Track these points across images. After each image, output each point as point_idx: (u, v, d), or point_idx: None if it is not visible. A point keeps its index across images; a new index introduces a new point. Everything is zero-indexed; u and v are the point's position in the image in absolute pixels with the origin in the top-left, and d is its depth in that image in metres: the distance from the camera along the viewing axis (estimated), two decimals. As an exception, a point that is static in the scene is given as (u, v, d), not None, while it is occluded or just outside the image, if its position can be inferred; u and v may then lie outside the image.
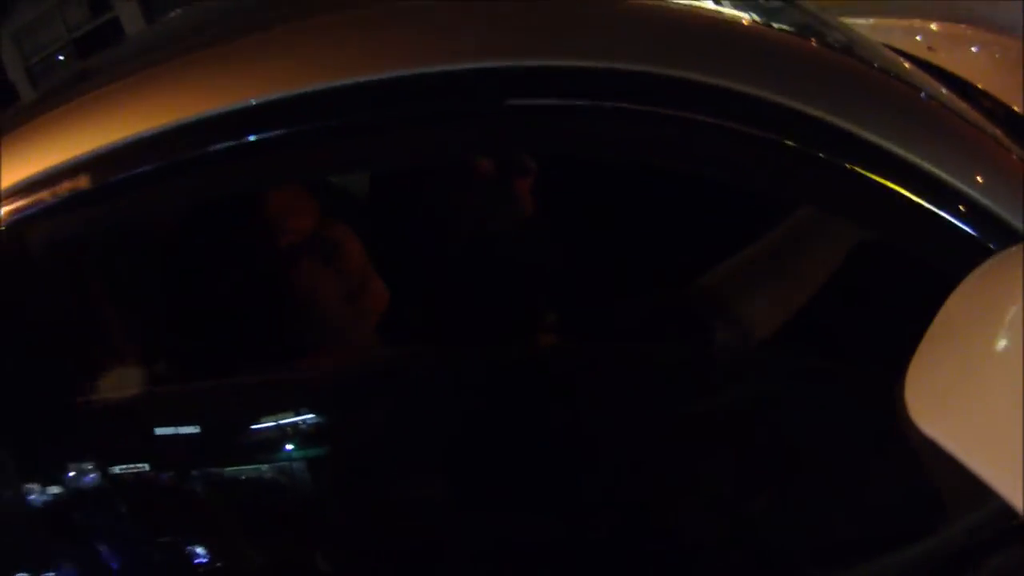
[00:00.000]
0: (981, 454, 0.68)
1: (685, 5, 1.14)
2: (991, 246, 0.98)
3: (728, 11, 1.17)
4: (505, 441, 1.16)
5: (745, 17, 1.14)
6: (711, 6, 1.17)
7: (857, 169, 0.99)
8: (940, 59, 1.76)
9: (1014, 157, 1.07)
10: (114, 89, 1.05)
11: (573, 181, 1.39)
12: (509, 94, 0.99)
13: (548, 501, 1.15)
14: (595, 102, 1.00)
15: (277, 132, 0.97)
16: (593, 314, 1.29)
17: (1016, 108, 1.60)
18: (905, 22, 2.29)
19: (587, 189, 1.38)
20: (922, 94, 1.12)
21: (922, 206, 0.99)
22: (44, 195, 0.98)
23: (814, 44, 1.16)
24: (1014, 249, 0.89)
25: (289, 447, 1.15)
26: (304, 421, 1.16)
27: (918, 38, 2.07)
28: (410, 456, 1.19)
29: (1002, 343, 0.75)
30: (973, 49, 2.10)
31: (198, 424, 1.14)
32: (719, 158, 1.04)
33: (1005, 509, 0.82)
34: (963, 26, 2.25)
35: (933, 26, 2.20)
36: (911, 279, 1.03)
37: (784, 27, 1.18)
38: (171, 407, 1.14)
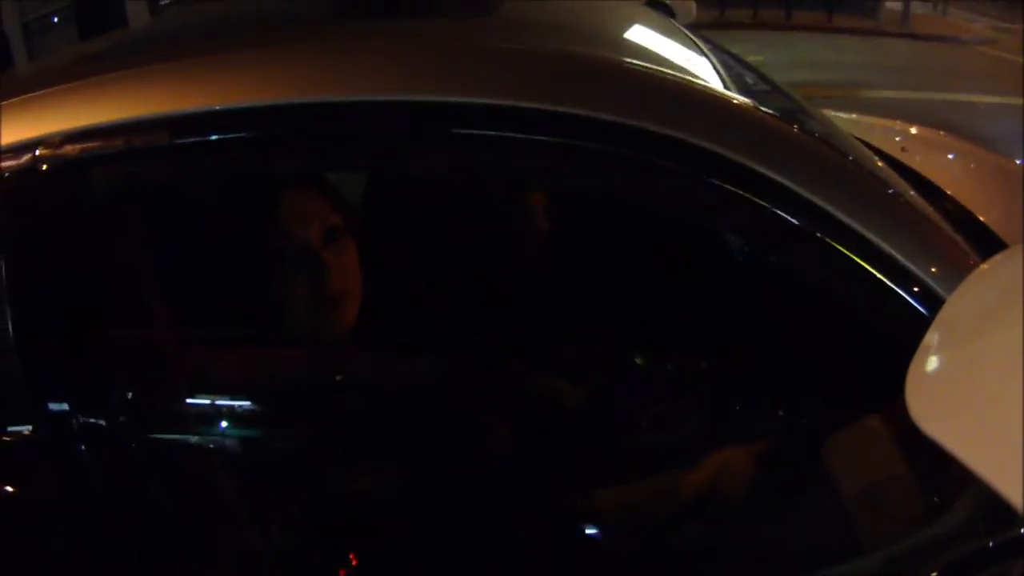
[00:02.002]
0: (981, 454, 0.68)
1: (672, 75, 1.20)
2: None
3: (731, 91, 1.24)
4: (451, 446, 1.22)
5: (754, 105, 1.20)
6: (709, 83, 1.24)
7: (828, 241, 1.05)
8: (915, 162, 1.79)
9: (970, 259, 1.11)
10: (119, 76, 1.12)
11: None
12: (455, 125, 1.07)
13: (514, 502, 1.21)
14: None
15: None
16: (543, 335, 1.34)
17: (983, 218, 1.64)
18: (886, 122, 2.34)
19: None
20: (891, 189, 1.17)
21: (884, 283, 1.04)
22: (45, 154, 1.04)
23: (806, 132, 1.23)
24: (1013, 250, 0.91)
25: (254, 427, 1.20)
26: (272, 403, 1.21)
27: (897, 139, 2.11)
28: (372, 451, 1.23)
29: (1002, 343, 0.75)
30: (949, 156, 2.13)
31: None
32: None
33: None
34: (942, 133, 2.30)
35: (913, 129, 2.26)
36: (863, 347, 1.08)
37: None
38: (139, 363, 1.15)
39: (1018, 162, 2.21)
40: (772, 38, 11.53)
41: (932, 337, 0.84)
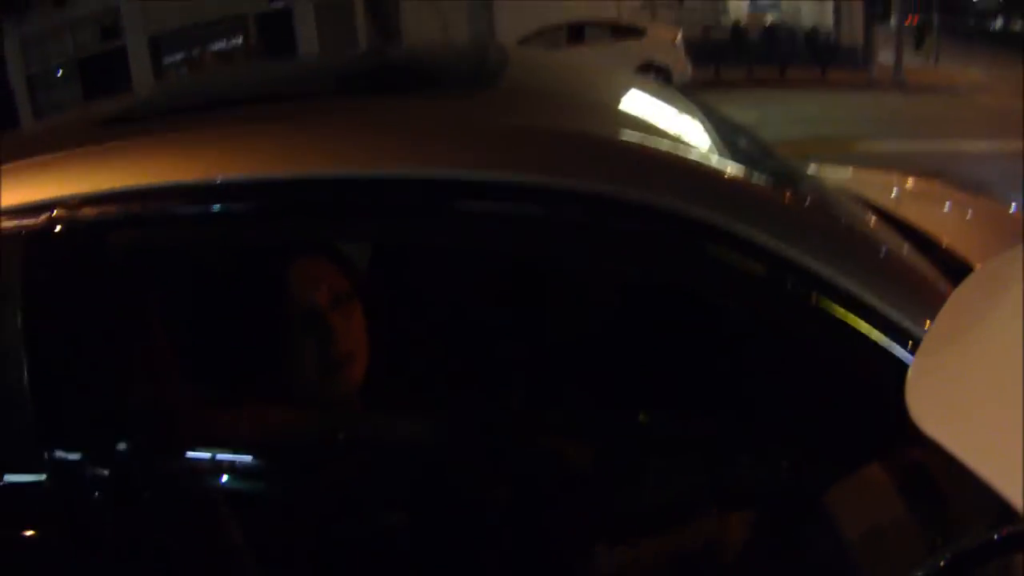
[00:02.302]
0: (982, 455, 0.67)
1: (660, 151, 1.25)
2: None
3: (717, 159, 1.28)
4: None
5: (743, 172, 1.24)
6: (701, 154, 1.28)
7: (822, 302, 1.08)
8: (911, 213, 1.81)
9: None
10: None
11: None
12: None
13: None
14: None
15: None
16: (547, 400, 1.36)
17: (978, 267, 1.65)
18: (881, 174, 2.36)
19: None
20: (884, 247, 1.20)
21: (878, 342, 1.07)
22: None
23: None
24: (1013, 250, 0.92)
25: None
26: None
27: (894, 191, 2.13)
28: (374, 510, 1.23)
29: (1002, 343, 0.75)
30: (945, 206, 2.14)
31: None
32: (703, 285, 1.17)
33: None
34: (937, 183, 2.32)
35: (908, 180, 2.27)
36: (858, 405, 1.10)
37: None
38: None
39: (1012, 209, 2.22)
40: (767, 95, 11.70)
41: (932, 337, 0.85)
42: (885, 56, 14.48)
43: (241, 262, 1.32)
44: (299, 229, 1.18)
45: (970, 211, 2.14)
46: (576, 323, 1.54)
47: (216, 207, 1.11)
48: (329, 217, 1.15)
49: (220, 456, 1.18)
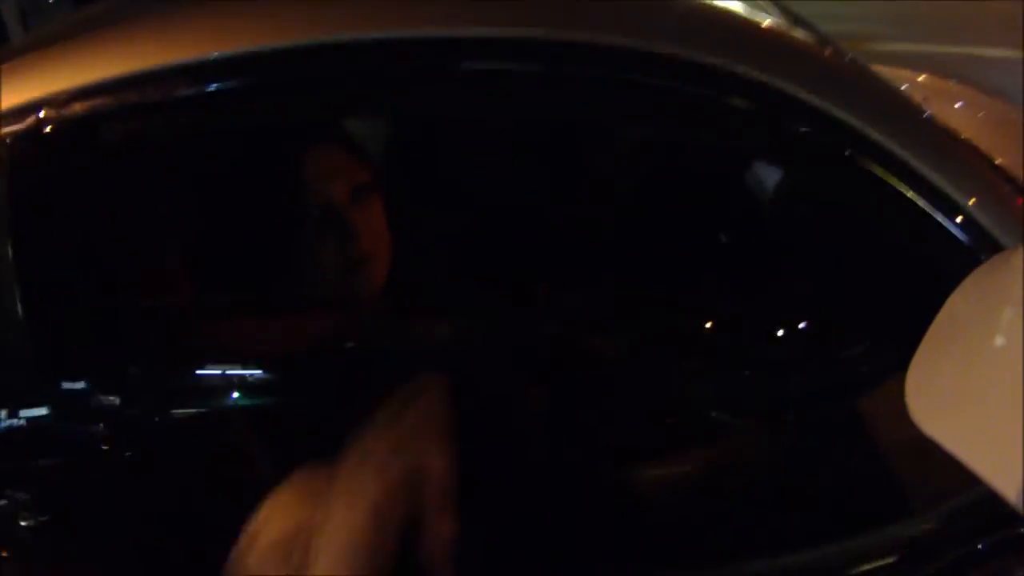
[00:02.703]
0: (981, 455, 0.68)
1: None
2: (981, 257, 1.04)
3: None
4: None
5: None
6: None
7: (870, 168, 1.05)
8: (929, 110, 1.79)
9: (1006, 186, 1.14)
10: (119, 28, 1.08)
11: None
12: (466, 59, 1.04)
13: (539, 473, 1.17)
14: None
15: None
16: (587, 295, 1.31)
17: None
18: (894, 72, 2.32)
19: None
20: (928, 114, 1.18)
21: (924, 211, 1.05)
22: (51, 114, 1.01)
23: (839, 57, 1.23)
24: (1012, 250, 0.92)
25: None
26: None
27: (904, 87, 2.10)
28: None
29: (1001, 343, 0.75)
30: (957, 105, 2.12)
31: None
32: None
33: None
34: (951, 82, 2.29)
35: (921, 79, 2.25)
36: (907, 278, 1.09)
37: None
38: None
39: (1026, 113, 2.20)
40: (776, -5, 11.32)
41: (932, 337, 0.84)
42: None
43: (251, 155, 1.23)
44: (308, 104, 1.09)
45: (983, 112, 2.12)
46: (606, 206, 1.47)
47: (215, 86, 1.02)
48: (340, 86, 1.07)
49: (235, 370, 1.12)
